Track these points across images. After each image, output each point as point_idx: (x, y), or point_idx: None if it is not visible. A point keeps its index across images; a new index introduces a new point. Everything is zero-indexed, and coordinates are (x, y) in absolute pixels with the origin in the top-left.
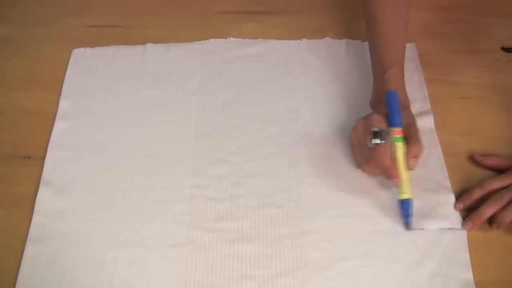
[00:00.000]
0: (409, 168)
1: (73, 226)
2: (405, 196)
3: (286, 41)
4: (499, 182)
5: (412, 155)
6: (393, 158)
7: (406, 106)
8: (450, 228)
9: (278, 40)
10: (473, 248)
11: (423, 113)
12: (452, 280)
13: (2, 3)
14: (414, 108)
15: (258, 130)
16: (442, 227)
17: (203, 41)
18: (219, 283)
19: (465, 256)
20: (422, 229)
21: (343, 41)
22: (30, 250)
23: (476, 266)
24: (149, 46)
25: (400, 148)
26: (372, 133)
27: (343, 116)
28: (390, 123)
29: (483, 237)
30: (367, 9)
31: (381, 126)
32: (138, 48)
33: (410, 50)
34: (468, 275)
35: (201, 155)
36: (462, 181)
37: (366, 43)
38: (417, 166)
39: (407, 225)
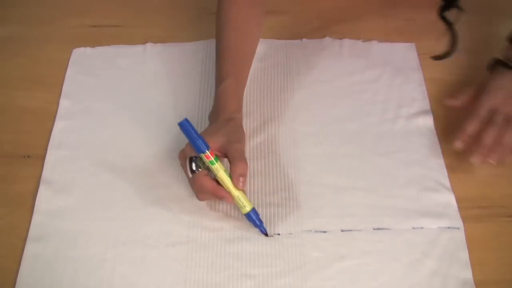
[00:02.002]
0: (237, 188)
1: (73, 225)
2: (246, 210)
3: (286, 41)
4: (483, 108)
5: (238, 175)
6: (219, 180)
7: (234, 119)
8: (449, 227)
9: (278, 40)
10: (472, 247)
11: (422, 113)
12: (452, 279)
13: (2, 3)
14: (414, 108)
15: (258, 130)
16: (441, 226)
17: (203, 41)
18: (219, 282)
19: (464, 255)
20: (422, 228)
21: (343, 41)
22: (30, 249)
23: (475, 265)
24: (149, 46)
25: (218, 169)
26: (189, 161)
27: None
28: (196, 150)
29: (482, 236)
30: (218, 13)
31: (195, 153)
32: (138, 48)
33: (410, 50)
34: (468, 274)
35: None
36: (462, 181)
37: (366, 43)
38: (417, 166)
39: (265, 233)
